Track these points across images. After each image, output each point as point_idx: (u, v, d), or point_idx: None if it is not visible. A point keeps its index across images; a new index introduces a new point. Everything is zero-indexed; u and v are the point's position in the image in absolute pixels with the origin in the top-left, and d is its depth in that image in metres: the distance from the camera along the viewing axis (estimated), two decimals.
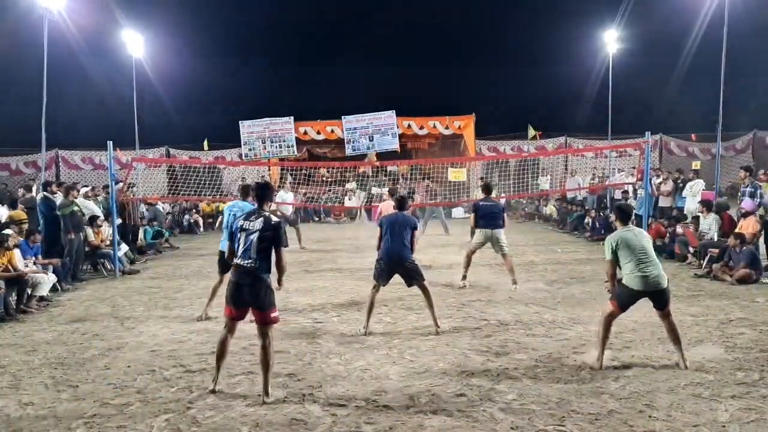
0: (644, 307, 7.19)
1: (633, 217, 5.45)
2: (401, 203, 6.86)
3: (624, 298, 5.18)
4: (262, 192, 4.86)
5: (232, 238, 4.73)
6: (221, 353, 4.75)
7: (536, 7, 33.91)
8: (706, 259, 9.76)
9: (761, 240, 9.76)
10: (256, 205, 4.85)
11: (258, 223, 4.57)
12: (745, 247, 9.03)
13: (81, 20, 17.84)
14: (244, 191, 7.42)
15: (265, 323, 4.58)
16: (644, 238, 5.24)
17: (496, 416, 4.19)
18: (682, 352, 5.14)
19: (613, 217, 5.41)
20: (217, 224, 8.00)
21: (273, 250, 4.62)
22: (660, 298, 5.16)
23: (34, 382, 5.13)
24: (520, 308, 7.43)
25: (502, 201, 9.54)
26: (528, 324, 6.65)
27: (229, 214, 6.85)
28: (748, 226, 9.69)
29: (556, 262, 11.15)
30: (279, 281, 4.80)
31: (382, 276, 6.46)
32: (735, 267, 8.94)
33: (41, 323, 7.26)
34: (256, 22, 34.89)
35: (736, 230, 9.73)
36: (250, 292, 4.55)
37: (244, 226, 4.62)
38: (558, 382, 4.83)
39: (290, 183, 16.10)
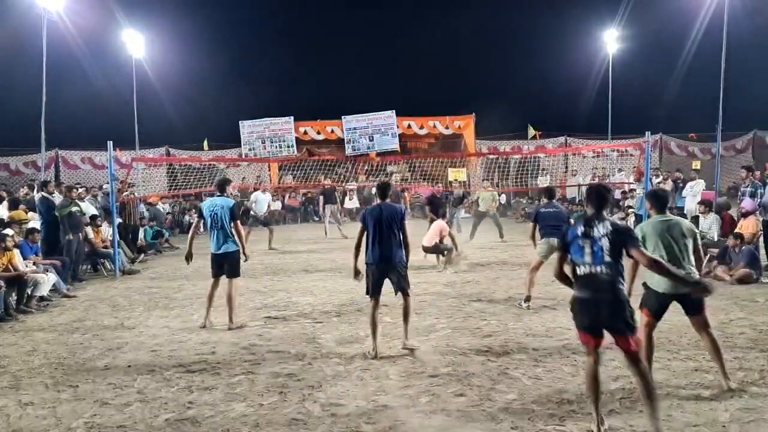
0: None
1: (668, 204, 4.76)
2: (383, 191, 5.75)
3: (652, 304, 4.55)
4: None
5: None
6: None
7: (536, 7, 33.98)
8: (706, 259, 9.75)
9: (761, 240, 9.75)
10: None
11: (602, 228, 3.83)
12: (745, 247, 9.03)
13: (81, 20, 17.88)
14: (220, 186, 7.01)
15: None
16: (680, 230, 4.53)
17: (496, 416, 4.19)
18: (724, 369, 4.55)
19: (648, 205, 4.81)
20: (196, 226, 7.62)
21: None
22: (690, 302, 4.48)
23: (34, 382, 5.13)
24: (520, 308, 7.42)
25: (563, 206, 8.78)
26: (528, 324, 6.64)
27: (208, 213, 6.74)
28: (748, 226, 9.68)
29: None
30: None
31: (375, 286, 5.63)
32: (735, 267, 8.94)
33: (41, 323, 7.26)
34: (257, 22, 34.95)
35: (736, 230, 9.73)
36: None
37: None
38: (558, 382, 4.82)
39: (265, 184, 16.04)
